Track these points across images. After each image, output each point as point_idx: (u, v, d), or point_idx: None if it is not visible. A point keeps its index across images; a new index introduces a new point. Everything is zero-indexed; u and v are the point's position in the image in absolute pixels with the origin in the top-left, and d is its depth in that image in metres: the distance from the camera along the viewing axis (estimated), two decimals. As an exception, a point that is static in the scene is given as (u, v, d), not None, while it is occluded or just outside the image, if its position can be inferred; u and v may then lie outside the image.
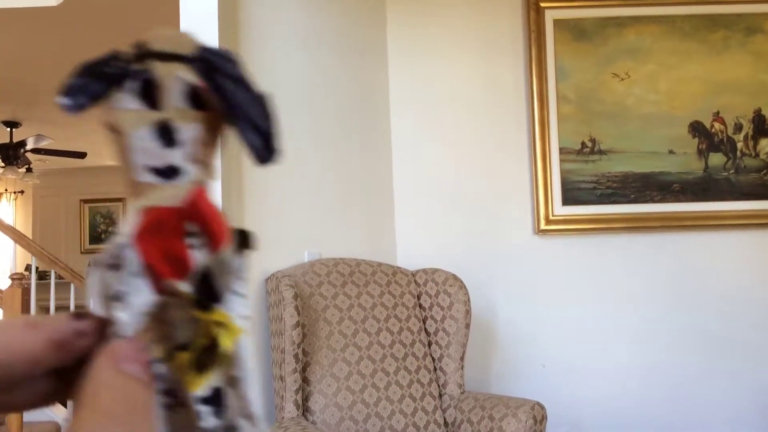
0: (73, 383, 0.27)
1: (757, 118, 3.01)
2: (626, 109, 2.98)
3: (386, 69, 3.00)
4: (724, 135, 3.00)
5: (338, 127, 2.77)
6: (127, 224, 0.27)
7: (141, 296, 0.26)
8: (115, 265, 0.27)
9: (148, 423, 0.25)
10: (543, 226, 2.90)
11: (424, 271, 2.59)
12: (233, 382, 0.27)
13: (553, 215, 2.91)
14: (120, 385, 0.25)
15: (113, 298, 0.27)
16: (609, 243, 2.94)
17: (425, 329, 2.51)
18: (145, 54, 0.27)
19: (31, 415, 3.58)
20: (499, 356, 2.90)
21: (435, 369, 2.46)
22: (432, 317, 2.51)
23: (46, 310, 4.23)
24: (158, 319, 0.27)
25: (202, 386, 0.27)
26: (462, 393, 2.43)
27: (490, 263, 2.93)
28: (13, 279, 3.15)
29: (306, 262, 2.51)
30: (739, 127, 3.00)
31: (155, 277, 0.26)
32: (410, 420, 2.30)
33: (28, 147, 6.30)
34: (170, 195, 0.27)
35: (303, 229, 2.60)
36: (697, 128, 2.99)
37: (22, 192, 8.48)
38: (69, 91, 0.27)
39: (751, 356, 2.90)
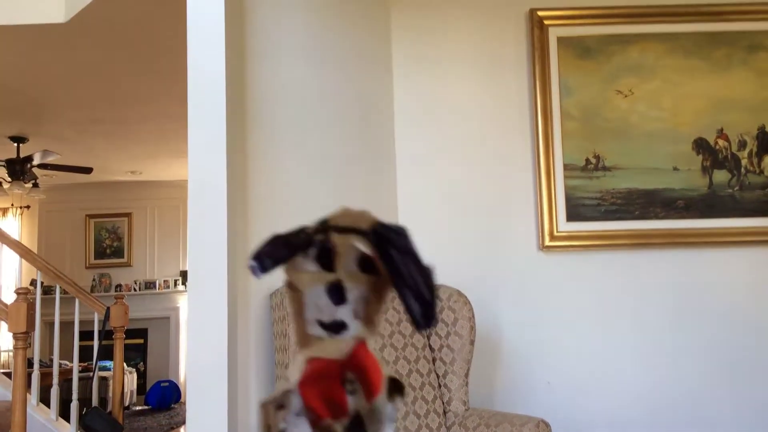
0: None
1: (761, 134, 3.01)
2: (630, 125, 2.99)
3: (391, 84, 3.02)
4: (729, 152, 3.00)
5: (342, 141, 2.78)
6: (295, 371, 0.30)
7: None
8: (282, 406, 0.30)
9: None
10: (547, 242, 2.90)
11: (429, 287, 2.58)
12: None
13: (557, 231, 2.91)
14: None
15: None
16: (613, 259, 2.94)
17: (429, 345, 2.50)
18: (327, 228, 0.30)
19: (34, 429, 3.57)
20: (504, 373, 2.89)
21: (439, 386, 2.45)
22: (436, 333, 2.51)
23: (51, 325, 4.23)
24: None
25: None
26: (466, 410, 2.41)
27: (495, 279, 2.92)
28: (18, 293, 3.16)
29: (310, 277, 2.51)
30: (743, 144, 3.00)
31: (314, 416, 0.29)
32: (414, 437, 2.28)
33: (35, 162, 6.34)
34: (335, 348, 0.30)
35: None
36: (701, 145, 2.99)
37: (28, 207, 8.52)
38: (259, 256, 0.30)
39: (757, 373, 2.89)
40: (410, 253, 0.28)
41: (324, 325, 0.30)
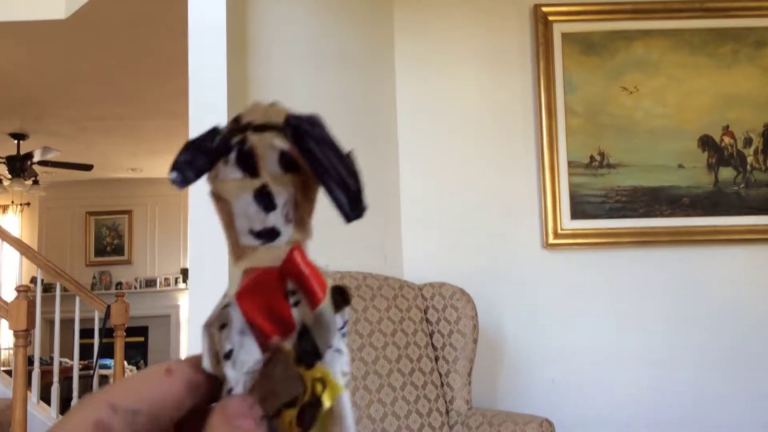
0: None
1: (767, 132, 2.99)
2: (635, 122, 2.96)
3: (394, 81, 3.00)
4: (734, 149, 2.97)
5: (345, 140, 2.75)
6: (232, 285, 0.29)
7: (248, 354, 0.28)
8: (224, 324, 0.28)
9: None
10: (551, 240, 2.88)
11: (431, 285, 2.57)
12: None
13: (561, 229, 2.88)
14: None
15: (223, 356, 0.28)
16: (618, 257, 2.92)
17: (432, 344, 2.48)
18: (241, 127, 0.29)
19: (35, 427, 3.55)
20: (507, 371, 2.87)
21: (442, 384, 2.43)
22: (439, 332, 2.49)
23: (51, 323, 4.22)
24: (266, 376, 0.28)
25: None
26: (469, 409, 2.39)
27: (498, 277, 2.90)
28: (19, 291, 3.14)
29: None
30: (748, 141, 2.98)
31: (260, 335, 0.28)
32: (417, 436, 2.26)
33: (35, 159, 6.32)
34: (271, 255, 0.29)
35: (309, 243, 2.59)
36: (706, 142, 2.97)
37: (28, 204, 8.50)
38: (177, 167, 0.29)
39: (763, 371, 2.87)
40: (328, 143, 0.28)
41: (256, 234, 0.29)
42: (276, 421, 0.27)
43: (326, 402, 0.27)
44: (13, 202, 8.41)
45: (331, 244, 2.63)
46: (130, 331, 5.50)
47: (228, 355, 0.28)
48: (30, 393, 3.76)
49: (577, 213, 2.90)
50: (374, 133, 2.91)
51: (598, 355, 2.88)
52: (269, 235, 0.29)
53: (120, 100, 5.40)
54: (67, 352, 4.94)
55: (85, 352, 4.62)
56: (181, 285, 8.35)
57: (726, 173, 2.96)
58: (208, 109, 2.22)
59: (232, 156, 0.29)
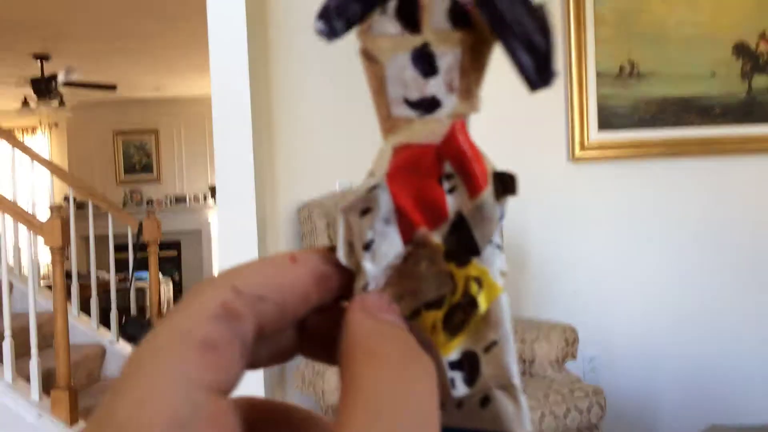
0: (308, 336, 0.25)
1: (806, 37, 2.87)
2: (667, 30, 2.86)
3: None
4: (770, 56, 2.87)
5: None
6: (382, 164, 0.25)
7: (390, 246, 0.24)
8: (367, 210, 0.24)
9: (427, 361, 0.22)
10: (578, 153, 2.85)
11: (457, 198, 2.58)
12: (489, 346, 0.24)
13: (588, 141, 2.85)
14: (387, 333, 0.23)
15: (363, 246, 0.24)
16: (646, 169, 2.89)
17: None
18: None
19: (77, 338, 3.73)
20: (532, 281, 2.91)
21: (467, 295, 2.48)
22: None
23: (86, 239, 4.34)
24: (407, 272, 0.24)
25: (453, 350, 0.24)
26: (494, 319, 2.45)
27: (523, 189, 2.84)
28: (52, 210, 3.22)
29: (338, 191, 2.52)
30: (786, 48, 2.87)
31: (407, 224, 0.24)
32: (443, 345, 2.34)
33: (59, 79, 6.34)
34: (428, 130, 0.24)
35: (334, 159, 2.60)
36: (741, 49, 2.87)
37: (56, 125, 8.59)
38: (325, 14, 0.24)
39: (787, 283, 2.87)
40: None
41: (412, 104, 0.24)
42: (414, 323, 0.24)
43: (483, 304, 0.24)
44: (41, 123, 8.50)
45: (355, 160, 2.64)
46: (163, 246, 5.64)
47: (368, 246, 0.24)
48: (70, 305, 3.92)
49: (604, 124, 2.85)
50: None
51: (622, 265, 2.90)
52: (428, 105, 0.24)
53: (140, 17, 5.33)
54: (103, 266, 5.10)
55: (121, 265, 4.76)
56: (210, 202, 8.48)
57: (760, 81, 2.87)
58: (226, 22, 2.20)
59: (392, 4, 0.24)
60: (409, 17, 0.24)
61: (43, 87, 6.39)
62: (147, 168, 8.70)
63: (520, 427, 0.23)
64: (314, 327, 0.25)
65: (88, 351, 3.91)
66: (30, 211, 3.88)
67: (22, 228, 3.79)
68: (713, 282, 2.88)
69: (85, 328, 4.09)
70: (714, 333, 2.87)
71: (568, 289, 2.90)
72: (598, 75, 2.85)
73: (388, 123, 0.25)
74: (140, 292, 5.46)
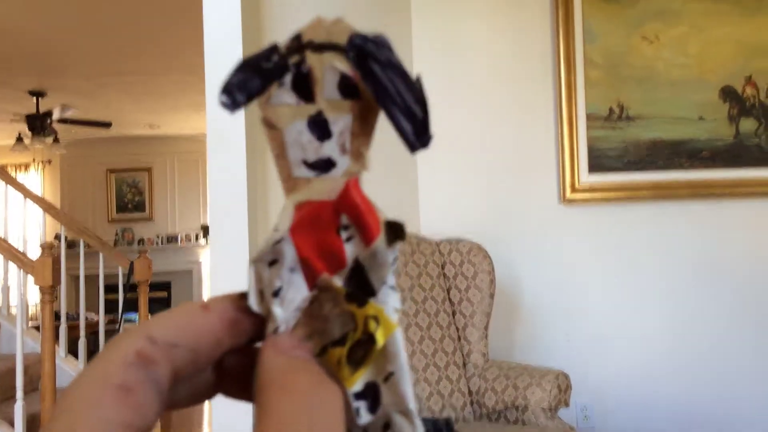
0: (224, 376, 0.28)
1: (792, 81, 2.92)
2: (655, 73, 2.91)
3: (410, 31, 2.96)
4: (756, 100, 2.92)
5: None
6: (285, 219, 0.27)
7: (297, 292, 0.27)
8: (274, 261, 0.27)
9: (334, 390, 0.25)
10: (569, 195, 2.87)
11: (449, 240, 2.58)
12: (388, 377, 0.27)
13: (579, 183, 2.87)
14: (297, 367, 0.25)
15: (272, 294, 0.27)
16: (636, 212, 2.90)
17: (449, 299, 2.51)
18: (300, 46, 0.27)
19: (64, 381, 3.67)
20: (524, 326, 2.90)
21: (459, 338, 2.46)
22: (456, 287, 2.51)
23: (76, 278, 4.31)
24: (313, 314, 0.27)
25: (357, 382, 0.26)
26: (486, 362, 2.43)
27: (515, 232, 2.91)
28: (43, 248, 3.20)
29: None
30: (772, 92, 2.92)
31: (310, 272, 0.27)
32: (435, 388, 2.31)
33: (55, 117, 6.36)
34: (325, 188, 0.27)
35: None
36: (728, 93, 2.91)
37: (49, 162, 8.59)
38: (228, 89, 0.27)
39: (780, 325, 2.87)
40: (395, 66, 0.26)
41: (310, 165, 0.27)
42: (322, 359, 0.26)
43: (380, 339, 0.26)
44: (34, 159, 8.50)
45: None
46: (153, 287, 5.59)
47: (276, 293, 0.27)
48: (58, 347, 3.87)
49: (595, 167, 2.87)
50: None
51: (615, 309, 2.89)
52: (324, 165, 0.27)
53: (137, 56, 5.38)
54: (92, 307, 5.05)
55: (110, 306, 4.72)
56: (202, 241, 8.45)
57: (747, 125, 2.91)
58: (224, 61, 2.22)
59: (288, 78, 0.27)
60: (304, 89, 0.27)
61: (38, 124, 6.41)
62: (139, 206, 8.69)
63: None
64: (230, 367, 0.27)
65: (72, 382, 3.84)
66: (21, 249, 3.85)
67: (12, 266, 3.76)
68: (707, 326, 2.87)
69: (72, 371, 4.03)
70: (709, 378, 2.85)
71: (561, 333, 2.89)
72: (588, 117, 2.88)
73: (290, 183, 0.28)
74: (130, 331, 5.37)
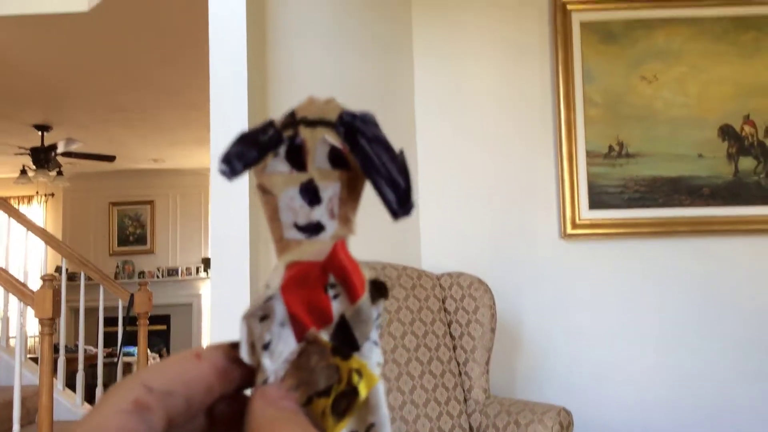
0: (216, 422, 0.29)
1: (790, 121, 2.95)
2: (655, 112, 2.94)
3: (412, 69, 3.01)
4: (755, 138, 2.95)
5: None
6: (276, 278, 0.29)
7: (285, 345, 0.28)
8: (265, 316, 0.28)
9: None
10: (569, 231, 2.88)
11: (450, 274, 2.58)
12: (369, 428, 0.28)
13: (579, 219, 2.88)
14: (285, 418, 0.26)
15: (262, 347, 0.28)
16: (637, 248, 2.91)
17: (450, 333, 2.50)
18: (294, 121, 0.30)
19: (61, 414, 3.64)
20: (525, 361, 2.88)
21: (460, 373, 2.45)
22: (457, 321, 2.50)
23: (76, 311, 4.29)
24: (300, 366, 0.28)
25: (341, 431, 0.28)
26: (487, 398, 2.41)
27: (516, 267, 2.91)
28: (44, 280, 3.20)
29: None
30: (770, 131, 2.95)
31: (299, 326, 0.28)
32: (435, 424, 2.29)
33: (59, 150, 6.42)
34: (314, 250, 0.29)
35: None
36: (727, 132, 2.94)
37: (52, 195, 8.63)
38: (227, 158, 0.30)
39: (783, 364, 2.85)
40: (380, 141, 0.30)
41: (301, 228, 0.30)
42: (308, 409, 0.28)
43: (362, 391, 0.28)
44: (37, 192, 8.54)
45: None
46: (153, 320, 5.57)
47: (266, 346, 0.28)
48: (56, 380, 3.84)
49: (595, 203, 2.89)
50: (391, 120, 2.93)
51: (616, 345, 2.88)
52: (314, 229, 0.29)
53: (142, 92, 5.45)
54: (91, 339, 5.03)
55: (109, 339, 4.70)
56: (203, 274, 8.44)
57: (746, 163, 2.94)
58: (228, 98, 2.25)
59: (282, 149, 0.30)
60: (297, 159, 0.30)
61: (42, 157, 6.46)
62: (141, 239, 8.70)
63: None
64: (221, 414, 0.29)
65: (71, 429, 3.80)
66: (21, 280, 3.85)
67: (12, 297, 3.75)
68: (708, 362, 2.86)
69: (69, 404, 3.99)
70: (710, 417, 2.82)
71: (562, 368, 2.87)
72: (588, 154, 2.91)
73: (282, 244, 0.30)
74: (128, 367, 5.36)
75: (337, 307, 0.29)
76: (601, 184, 2.90)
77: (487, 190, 2.96)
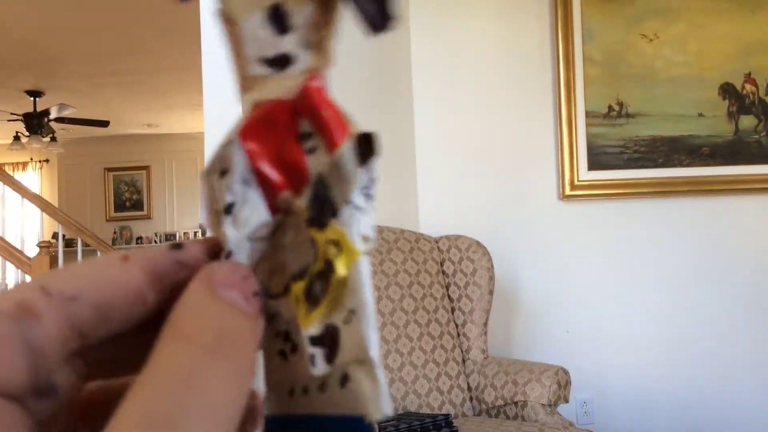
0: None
1: (791, 78, 2.92)
2: (654, 71, 2.90)
3: (408, 31, 2.95)
4: (756, 97, 2.92)
5: (359, 91, 2.74)
6: (237, 122, 0.24)
7: (252, 209, 0.23)
8: (226, 170, 0.23)
9: (248, 361, 0.20)
10: (568, 192, 2.86)
11: (447, 237, 2.58)
12: (349, 317, 0.22)
13: (578, 180, 2.86)
14: (216, 313, 0.20)
15: (223, 210, 0.23)
16: (636, 208, 2.90)
17: (448, 295, 2.51)
18: None
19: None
20: (523, 322, 2.90)
21: (458, 335, 2.46)
22: (455, 284, 2.51)
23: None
24: (277, 246, 0.23)
25: (314, 322, 0.22)
26: (485, 358, 2.43)
27: (514, 229, 2.90)
28: (41, 247, 3.20)
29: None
30: (771, 89, 2.92)
31: (267, 188, 0.23)
32: (434, 385, 2.31)
33: (52, 116, 6.35)
34: (283, 87, 0.24)
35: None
36: (727, 90, 2.91)
37: (47, 161, 8.58)
38: None
39: (779, 322, 2.87)
40: None
41: (267, 61, 0.24)
42: (282, 300, 0.22)
43: (340, 269, 0.22)
44: (32, 159, 8.48)
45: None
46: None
47: (228, 210, 0.23)
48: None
49: (594, 164, 2.87)
50: (389, 83, 2.89)
51: (614, 306, 2.89)
52: (282, 62, 0.24)
53: (133, 55, 5.38)
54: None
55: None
56: (200, 238, 8.44)
57: (747, 122, 2.91)
58: (220, 60, 2.21)
59: None
60: None
61: (35, 123, 6.40)
62: (137, 205, 8.68)
63: (377, 409, 0.21)
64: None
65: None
66: (18, 248, 3.84)
67: (9, 265, 3.75)
68: (707, 320, 2.87)
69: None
70: (709, 373, 2.85)
71: (560, 329, 2.88)
72: (587, 114, 2.88)
73: (246, 82, 0.25)
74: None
75: (313, 163, 0.23)
76: (600, 144, 2.88)
77: (485, 152, 2.94)
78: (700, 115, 2.90)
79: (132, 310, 0.21)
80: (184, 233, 8.59)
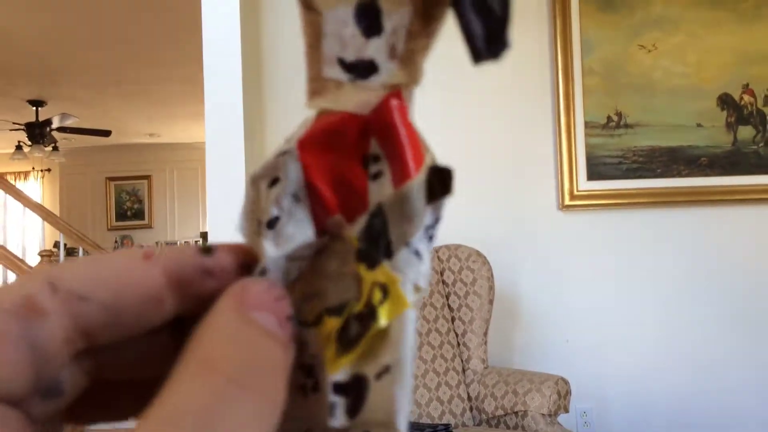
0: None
1: (789, 89, 2.93)
2: (653, 81, 2.92)
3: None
4: (754, 107, 2.93)
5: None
6: (298, 129, 0.21)
7: (297, 227, 0.20)
8: (276, 180, 0.20)
9: (277, 395, 0.18)
10: (567, 202, 2.88)
11: (447, 247, 2.59)
12: (382, 373, 0.19)
13: (577, 190, 2.88)
14: (246, 339, 0.18)
15: (267, 224, 0.20)
16: (635, 218, 2.91)
17: (448, 305, 2.51)
18: None
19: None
20: (523, 332, 2.90)
21: (458, 344, 2.47)
22: (455, 293, 2.51)
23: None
24: (317, 269, 0.20)
25: (341, 368, 0.19)
26: (485, 368, 2.43)
27: (514, 239, 2.91)
28: (42, 256, 3.20)
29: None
30: (769, 99, 2.93)
31: (318, 206, 0.20)
32: (434, 394, 2.31)
33: (54, 125, 6.38)
34: (358, 98, 0.20)
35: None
36: (725, 101, 2.92)
37: (48, 170, 8.60)
38: None
39: (779, 332, 2.87)
40: None
41: (346, 66, 0.21)
42: (312, 330, 0.20)
43: (382, 317, 0.19)
44: (33, 168, 8.51)
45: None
46: (152, 294, 5.57)
47: (271, 224, 0.20)
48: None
49: (593, 174, 2.88)
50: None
51: (614, 315, 2.89)
52: (364, 69, 0.21)
53: (135, 65, 5.40)
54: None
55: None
56: (201, 249, 8.44)
57: (745, 132, 2.92)
58: (222, 72, 2.23)
59: None
60: None
61: (38, 132, 6.42)
62: (138, 214, 8.69)
63: None
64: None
65: None
66: (20, 256, 3.86)
67: (10, 274, 3.76)
68: (705, 331, 2.87)
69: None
70: (707, 383, 2.85)
71: (560, 339, 2.89)
72: (586, 125, 2.89)
73: (317, 84, 0.21)
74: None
75: (375, 190, 0.20)
76: (599, 154, 2.89)
77: (484, 162, 2.95)
78: (699, 125, 2.91)
79: (147, 315, 0.20)
80: (185, 242, 8.60)
